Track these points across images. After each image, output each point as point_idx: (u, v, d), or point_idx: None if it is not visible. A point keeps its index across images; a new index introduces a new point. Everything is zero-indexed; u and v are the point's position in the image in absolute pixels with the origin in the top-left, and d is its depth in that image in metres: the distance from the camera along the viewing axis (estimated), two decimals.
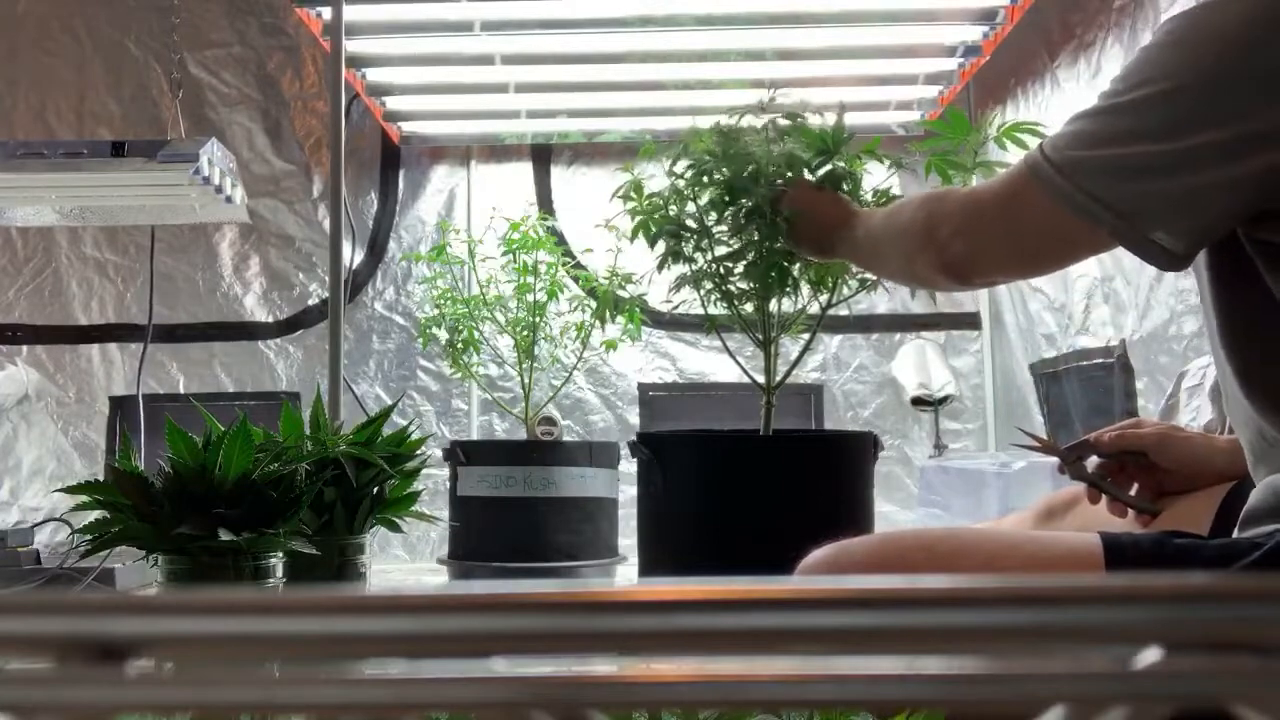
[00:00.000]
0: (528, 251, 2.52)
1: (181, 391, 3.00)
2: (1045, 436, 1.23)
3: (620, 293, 2.16)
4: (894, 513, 2.86)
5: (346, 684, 0.29)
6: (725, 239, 1.67)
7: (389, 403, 2.51)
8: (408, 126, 3.06)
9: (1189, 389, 1.97)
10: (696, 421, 2.94)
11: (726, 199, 1.62)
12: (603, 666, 0.29)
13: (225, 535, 1.37)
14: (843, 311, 1.80)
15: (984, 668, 0.28)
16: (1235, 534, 0.90)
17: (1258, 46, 0.80)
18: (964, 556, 0.89)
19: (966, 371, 3.05)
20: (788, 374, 1.82)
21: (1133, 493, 1.09)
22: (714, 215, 1.66)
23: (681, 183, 1.67)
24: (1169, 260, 0.86)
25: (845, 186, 1.58)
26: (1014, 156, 1.55)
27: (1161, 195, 0.83)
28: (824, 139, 1.55)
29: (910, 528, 2.40)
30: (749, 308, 1.72)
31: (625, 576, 2.31)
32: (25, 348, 3.06)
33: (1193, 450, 1.08)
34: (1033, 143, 1.49)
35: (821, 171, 1.57)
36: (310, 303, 3.08)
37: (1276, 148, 0.80)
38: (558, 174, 3.15)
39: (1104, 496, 1.09)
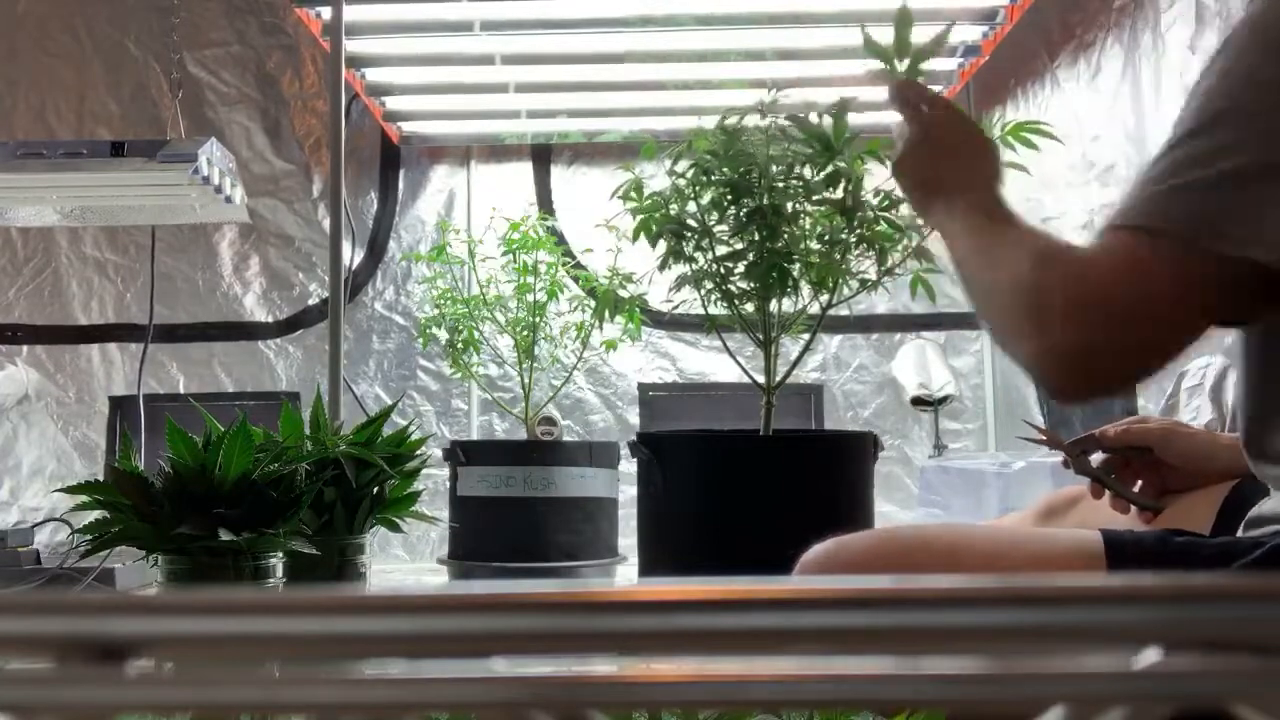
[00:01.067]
0: (528, 251, 2.52)
1: (181, 391, 3.00)
2: (1044, 428, 1.23)
3: (620, 293, 2.16)
4: (894, 513, 2.86)
5: (346, 684, 0.29)
6: (726, 239, 1.67)
7: (389, 403, 2.51)
8: (408, 126, 3.06)
9: (1189, 389, 1.97)
10: (696, 421, 2.94)
11: (728, 199, 1.62)
12: (603, 666, 0.29)
13: (225, 535, 1.37)
14: (843, 311, 1.80)
15: (984, 668, 0.28)
16: (1240, 533, 0.90)
17: None
18: (963, 552, 0.89)
19: (966, 371, 3.05)
20: (788, 374, 1.82)
21: (1136, 489, 1.09)
22: (715, 215, 1.66)
23: (682, 182, 1.67)
24: None
25: (847, 187, 1.58)
26: (1016, 157, 1.56)
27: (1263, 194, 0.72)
28: (826, 138, 1.55)
29: (909, 523, 2.40)
30: (749, 308, 1.72)
31: (625, 576, 2.31)
32: (25, 348, 3.06)
33: (1197, 446, 1.08)
34: (1039, 143, 1.50)
35: (824, 172, 1.57)
36: (310, 303, 3.08)
37: None
38: (558, 174, 3.15)
39: (1107, 492, 1.09)
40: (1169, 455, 1.07)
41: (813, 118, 1.61)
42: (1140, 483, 1.10)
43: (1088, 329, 0.75)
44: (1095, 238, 0.78)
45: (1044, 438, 1.17)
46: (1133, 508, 1.08)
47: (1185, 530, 0.90)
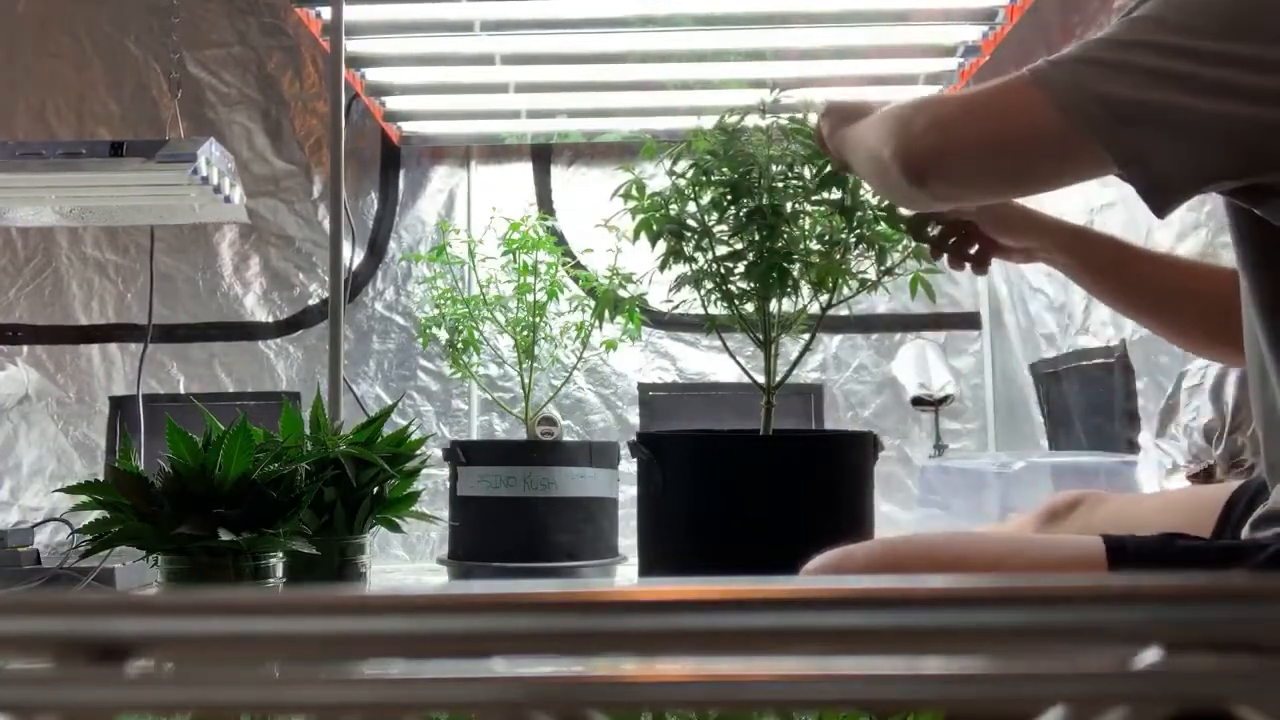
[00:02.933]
0: (528, 251, 2.52)
1: (181, 391, 3.00)
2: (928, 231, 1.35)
3: (620, 293, 2.16)
4: (894, 513, 2.86)
5: (346, 684, 0.29)
6: (726, 239, 1.67)
7: (389, 403, 2.51)
8: (408, 126, 3.06)
9: (1189, 389, 1.97)
10: (696, 421, 2.94)
11: (728, 199, 1.62)
12: (603, 666, 0.29)
13: (225, 535, 1.37)
14: (843, 311, 1.80)
15: (984, 668, 0.28)
16: (1247, 533, 0.90)
17: None
18: (967, 562, 0.89)
19: (966, 371, 3.05)
20: (788, 374, 1.82)
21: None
22: (715, 215, 1.66)
23: (682, 182, 1.67)
24: (1157, 192, 0.79)
25: (845, 185, 1.58)
26: None
27: (1177, 110, 0.76)
28: (816, 149, 1.55)
29: (912, 533, 2.40)
30: (749, 308, 1.72)
31: (625, 576, 2.31)
32: (25, 348, 3.06)
33: (1009, 219, 1.21)
34: None
35: (823, 172, 1.57)
36: (310, 303, 3.08)
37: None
38: (558, 174, 3.15)
39: (944, 255, 1.27)
40: (985, 223, 1.22)
41: (814, 118, 1.61)
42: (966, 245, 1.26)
43: (956, 134, 0.85)
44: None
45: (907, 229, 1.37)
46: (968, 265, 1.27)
47: (1187, 534, 0.90)
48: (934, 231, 1.28)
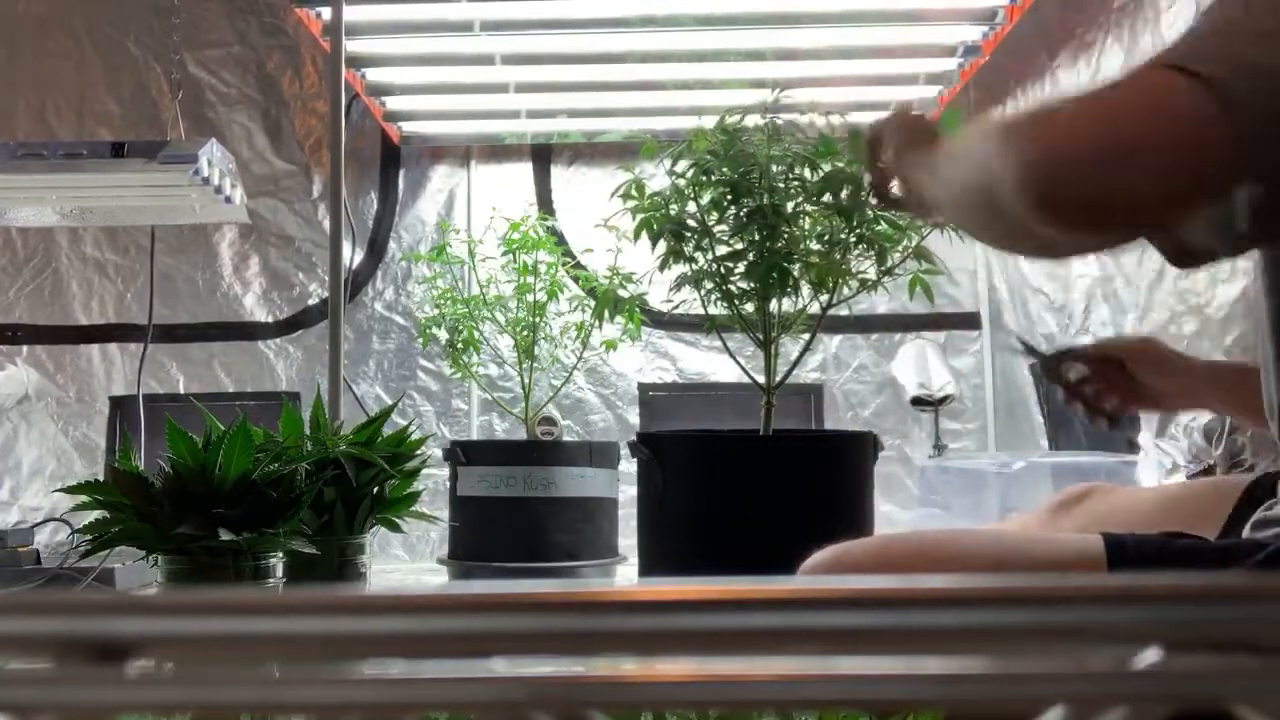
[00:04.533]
0: (528, 251, 2.52)
1: (181, 391, 3.00)
2: (1037, 347, 1.28)
3: (620, 293, 2.16)
4: (894, 513, 2.86)
5: (346, 684, 0.29)
6: (726, 239, 1.67)
7: (389, 403, 2.51)
8: (408, 126, 3.06)
9: None
10: (696, 421, 2.94)
11: (728, 199, 1.62)
12: (603, 666, 0.29)
13: (225, 535, 1.37)
14: (843, 311, 1.80)
15: (984, 668, 0.28)
16: (1248, 533, 0.90)
17: None
18: (966, 560, 0.89)
19: (966, 371, 3.05)
20: (788, 374, 1.82)
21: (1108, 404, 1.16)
22: (715, 215, 1.66)
23: (683, 182, 1.67)
24: None
25: (846, 188, 1.58)
26: None
27: None
28: (819, 148, 1.55)
29: (911, 530, 2.40)
30: (749, 308, 1.72)
31: (625, 576, 2.31)
32: (25, 348, 3.06)
33: (1165, 362, 1.12)
34: None
35: (821, 172, 1.57)
36: (310, 303, 3.08)
37: None
38: (558, 174, 3.15)
39: (1077, 401, 1.16)
40: (1140, 369, 1.12)
41: (815, 118, 1.61)
42: (1109, 395, 1.16)
43: (1100, 147, 0.66)
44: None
45: (1024, 348, 1.26)
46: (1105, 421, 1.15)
47: (1187, 533, 0.90)
48: (1072, 375, 1.15)
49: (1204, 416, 1.88)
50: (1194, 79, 0.64)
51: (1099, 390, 1.16)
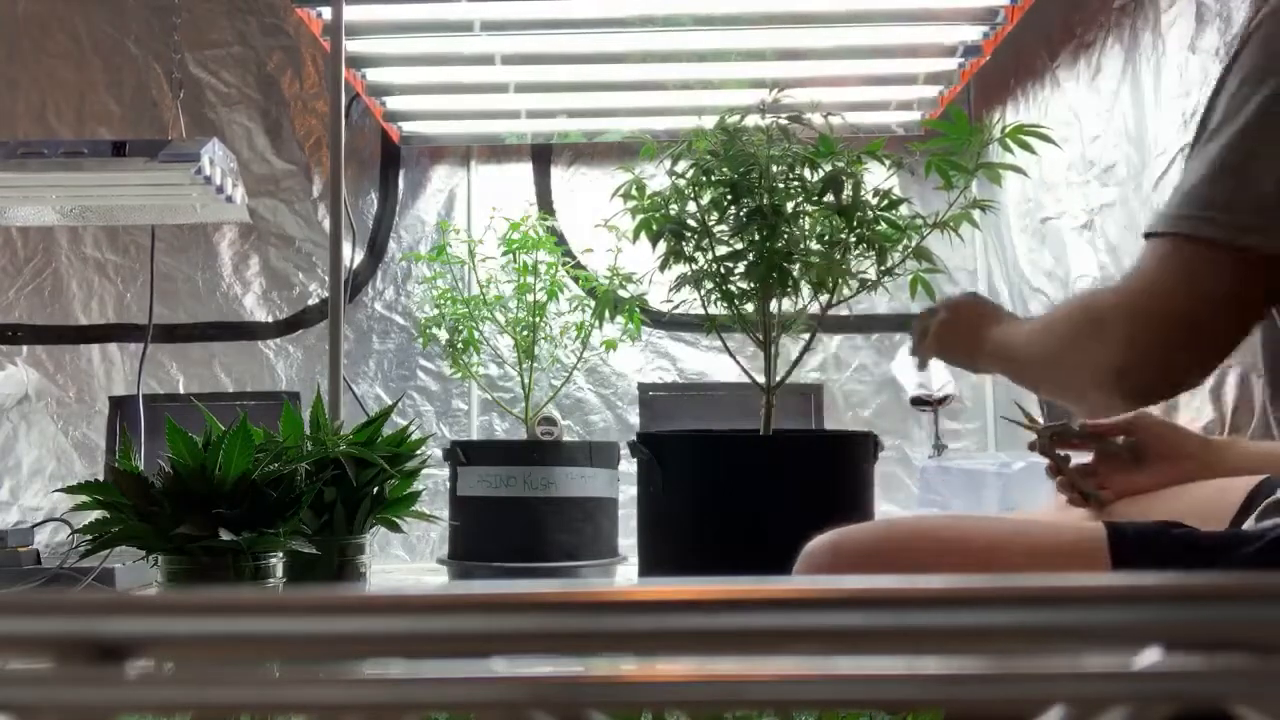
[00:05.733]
0: (528, 251, 2.52)
1: (181, 391, 3.00)
2: (1038, 419, 1.24)
3: (620, 293, 2.16)
4: (894, 513, 2.86)
5: (346, 684, 0.29)
6: (726, 239, 1.67)
7: (389, 403, 2.51)
8: (408, 126, 3.06)
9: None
10: (696, 421, 2.94)
11: (728, 199, 1.62)
12: (603, 666, 0.29)
13: (225, 535, 1.37)
14: (843, 311, 1.80)
15: (984, 668, 0.28)
16: (1255, 519, 0.91)
17: None
18: (966, 543, 0.89)
19: (966, 371, 3.05)
20: (788, 374, 1.82)
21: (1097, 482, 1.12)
22: (715, 215, 1.66)
23: (682, 182, 1.67)
24: None
25: (846, 188, 1.58)
26: (1018, 158, 1.56)
27: None
28: (817, 148, 1.55)
29: (912, 515, 2.40)
30: (749, 308, 1.72)
31: (625, 576, 2.31)
32: (25, 348, 3.06)
33: (1161, 437, 1.11)
34: (1037, 145, 1.50)
35: (821, 172, 1.57)
36: (310, 303, 3.08)
37: None
38: (558, 174, 3.15)
39: (1058, 477, 1.13)
40: (1142, 450, 1.11)
41: (816, 118, 1.61)
42: (1098, 472, 1.13)
43: (1152, 341, 0.79)
44: (1140, 253, 0.81)
45: (1026, 422, 1.20)
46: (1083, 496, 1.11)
47: (1184, 523, 0.90)
48: (1063, 455, 1.15)
49: (1204, 417, 1.88)
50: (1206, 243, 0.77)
51: (1093, 470, 1.14)
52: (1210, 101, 0.81)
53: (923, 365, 1.17)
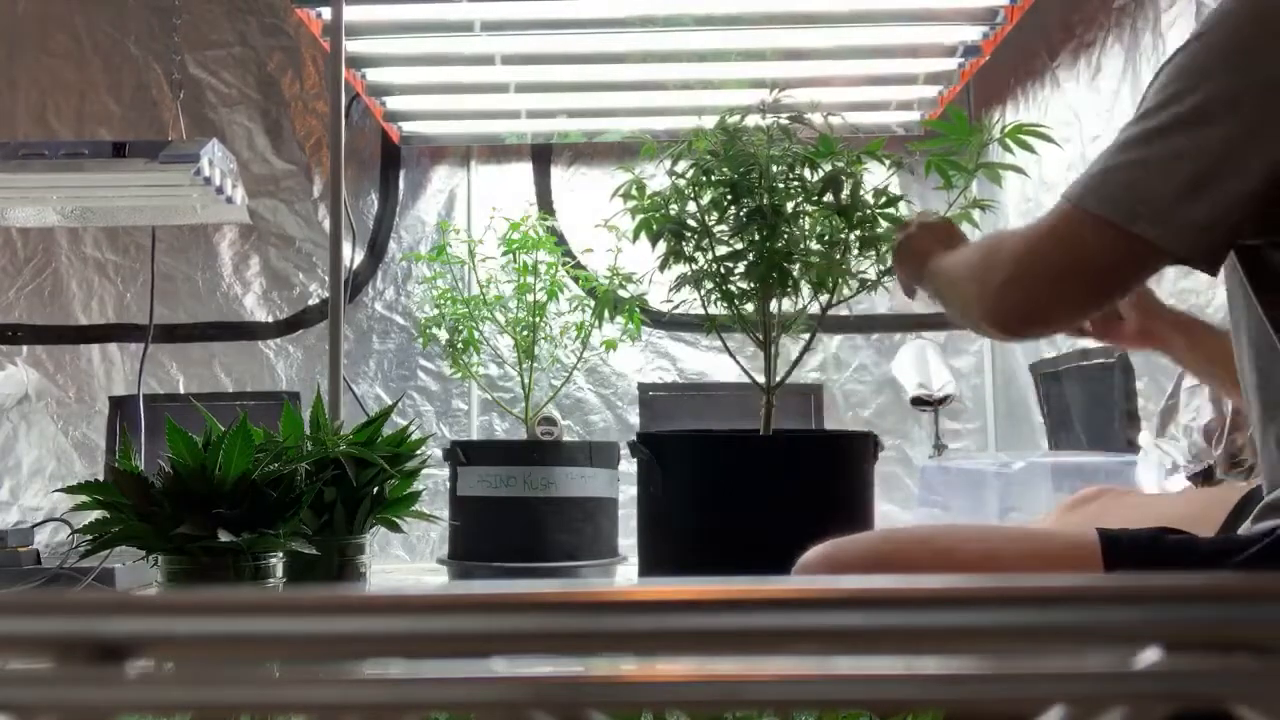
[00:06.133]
0: (528, 251, 2.52)
1: (181, 391, 3.00)
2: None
3: (620, 293, 2.16)
4: (894, 512, 2.86)
5: (346, 684, 0.29)
6: (726, 239, 1.67)
7: (389, 403, 2.51)
8: (408, 126, 3.06)
9: (1189, 389, 1.97)
10: (696, 421, 2.94)
11: (728, 199, 1.62)
12: (603, 666, 0.29)
13: (225, 535, 1.37)
14: (843, 311, 1.80)
15: (984, 668, 0.28)
16: (1252, 521, 0.91)
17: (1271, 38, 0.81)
18: (960, 552, 0.90)
19: (966, 371, 3.05)
20: (788, 374, 1.82)
21: None
22: (715, 215, 1.66)
23: (683, 182, 1.67)
24: (1205, 257, 0.84)
25: (845, 188, 1.58)
26: (1018, 158, 1.56)
27: (1185, 184, 0.83)
28: (817, 148, 1.55)
29: (907, 524, 2.40)
30: (749, 308, 1.72)
31: (625, 576, 2.31)
32: (25, 348, 3.06)
33: (1142, 293, 1.23)
34: (1038, 144, 1.50)
35: (821, 173, 1.57)
36: (310, 303, 3.08)
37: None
38: (558, 174, 3.15)
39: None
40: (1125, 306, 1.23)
41: (816, 118, 1.61)
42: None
43: (1024, 284, 0.92)
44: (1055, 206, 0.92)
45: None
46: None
47: (1178, 530, 0.91)
48: None
49: (1204, 417, 1.88)
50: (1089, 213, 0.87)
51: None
52: (1152, 81, 0.87)
53: (908, 292, 1.26)
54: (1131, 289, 0.94)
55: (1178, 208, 0.83)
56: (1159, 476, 2.06)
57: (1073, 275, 0.90)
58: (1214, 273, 0.86)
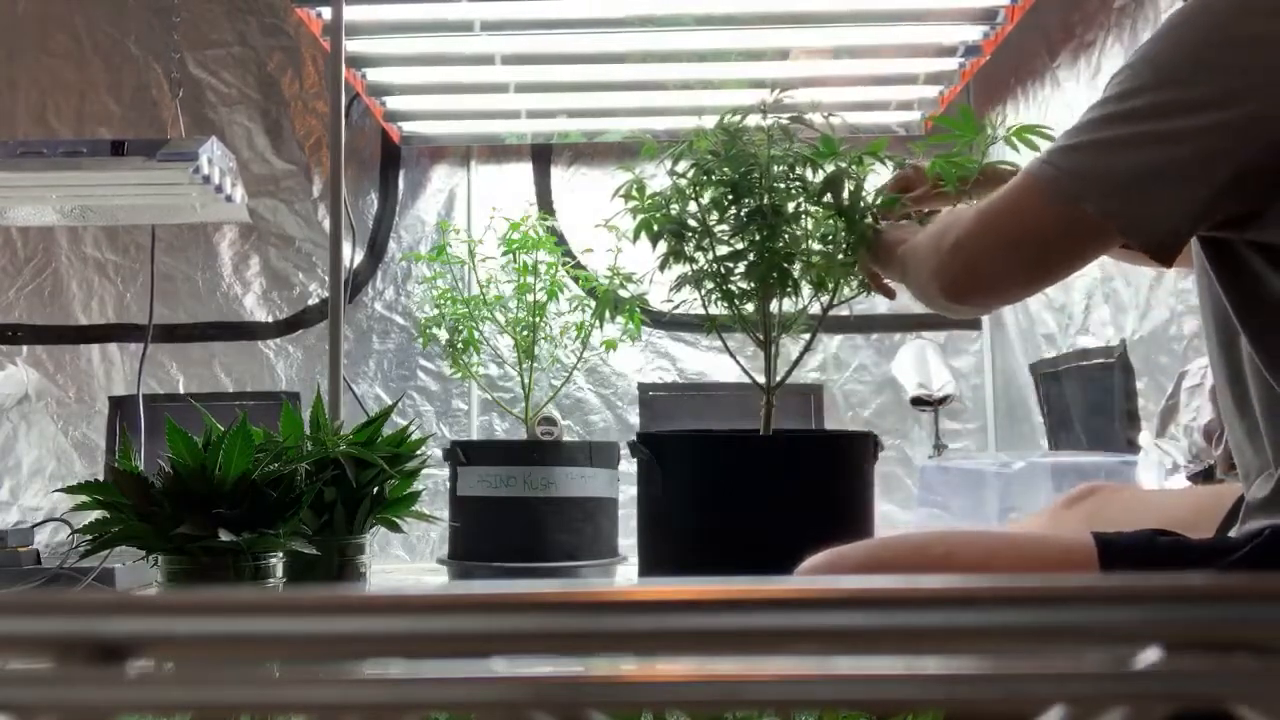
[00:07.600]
0: (528, 251, 2.52)
1: (181, 391, 3.00)
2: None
3: (620, 293, 2.16)
4: (894, 513, 2.86)
5: (346, 684, 0.29)
6: (726, 239, 1.67)
7: (389, 403, 2.51)
8: (408, 126, 3.06)
9: (1189, 389, 1.97)
10: (696, 421, 2.94)
11: (728, 199, 1.62)
12: (603, 666, 0.29)
13: (225, 535, 1.37)
14: (843, 311, 1.80)
15: (984, 668, 0.28)
16: (1240, 519, 0.91)
17: (1240, 29, 0.82)
18: (958, 557, 0.90)
19: (966, 371, 3.05)
20: (788, 374, 1.82)
21: None
22: (715, 215, 1.66)
23: (683, 182, 1.67)
24: (1157, 246, 0.85)
25: (847, 188, 1.58)
26: (1022, 158, 1.55)
27: (1145, 171, 0.84)
28: (818, 149, 1.55)
29: (905, 531, 2.40)
30: (749, 308, 1.72)
31: (625, 576, 2.31)
32: (25, 348, 3.06)
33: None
34: (1042, 145, 1.50)
35: (822, 173, 1.57)
36: (310, 303, 3.08)
37: (1250, 136, 0.81)
38: (558, 174, 3.15)
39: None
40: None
41: (816, 118, 1.61)
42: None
43: (973, 252, 0.94)
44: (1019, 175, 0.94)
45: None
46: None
47: (1171, 531, 0.91)
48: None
49: (1204, 417, 1.88)
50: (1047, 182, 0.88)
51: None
52: (1125, 63, 0.88)
53: (883, 290, 1.35)
54: (1078, 265, 0.95)
55: (1129, 190, 0.85)
56: (1159, 476, 2.06)
57: (1022, 245, 0.92)
58: (1167, 263, 0.87)
